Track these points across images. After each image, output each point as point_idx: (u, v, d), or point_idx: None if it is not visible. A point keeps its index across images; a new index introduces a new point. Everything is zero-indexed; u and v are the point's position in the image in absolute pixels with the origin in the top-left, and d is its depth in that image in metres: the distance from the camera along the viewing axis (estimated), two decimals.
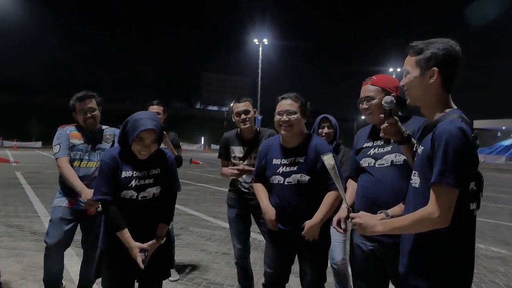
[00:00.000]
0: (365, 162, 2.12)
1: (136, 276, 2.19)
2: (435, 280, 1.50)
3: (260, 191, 2.52)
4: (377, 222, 1.60)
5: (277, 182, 2.38)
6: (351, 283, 2.37)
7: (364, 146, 2.16)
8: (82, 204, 2.82)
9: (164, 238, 2.20)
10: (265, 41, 41.04)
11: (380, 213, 1.81)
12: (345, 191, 2.11)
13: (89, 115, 2.95)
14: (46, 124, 54.14)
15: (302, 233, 2.28)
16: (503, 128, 44.35)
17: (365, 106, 2.10)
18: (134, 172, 2.13)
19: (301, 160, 2.35)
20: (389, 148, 2.01)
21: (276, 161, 2.41)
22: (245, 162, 3.02)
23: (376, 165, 2.05)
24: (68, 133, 2.93)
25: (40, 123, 55.60)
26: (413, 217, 1.47)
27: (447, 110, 1.54)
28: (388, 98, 1.77)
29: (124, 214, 2.09)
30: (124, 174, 2.11)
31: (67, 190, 2.87)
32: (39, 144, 44.60)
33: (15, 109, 63.01)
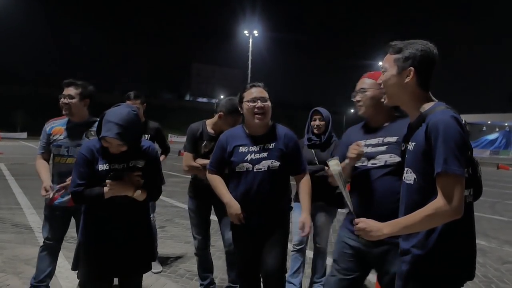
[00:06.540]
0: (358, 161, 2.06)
1: (116, 270, 2.16)
2: (434, 279, 1.50)
3: (219, 184, 2.45)
4: (382, 224, 1.53)
5: (245, 169, 2.35)
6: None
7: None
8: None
9: (137, 193, 2.11)
10: (256, 32, 40.80)
11: None
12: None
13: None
14: (32, 114, 53.38)
15: (303, 233, 2.37)
16: (488, 122, 45.08)
17: (358, 98, 2.07)
18: (112, 164, 2.10)
19: (271, 147, 2.37)
20: (384, 148, 1.96)
21: (243, 149, 2.38)
22: None
23: (369, 164, 1.97)
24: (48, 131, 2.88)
25: (26, 113, 54.68)
26: (424, 213, 1.41)
27: (430, 104, 1.56)
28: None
29: (104, 206, 2.06)
30: (101, 167, 2.08)
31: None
32: (24, 135, 43.94)
33: (0, 100, 61.77)
